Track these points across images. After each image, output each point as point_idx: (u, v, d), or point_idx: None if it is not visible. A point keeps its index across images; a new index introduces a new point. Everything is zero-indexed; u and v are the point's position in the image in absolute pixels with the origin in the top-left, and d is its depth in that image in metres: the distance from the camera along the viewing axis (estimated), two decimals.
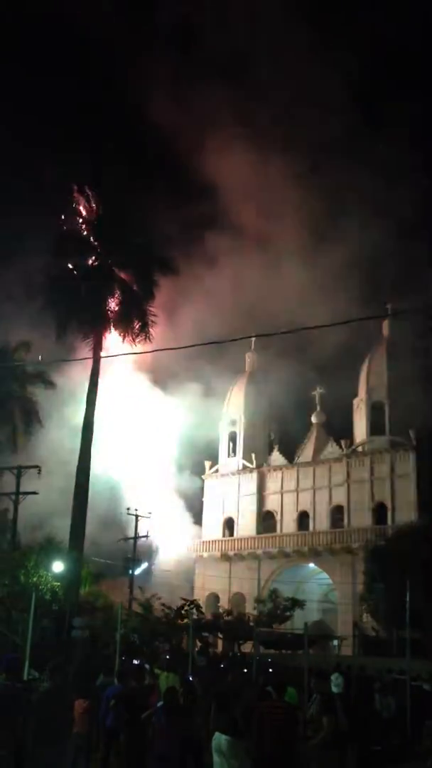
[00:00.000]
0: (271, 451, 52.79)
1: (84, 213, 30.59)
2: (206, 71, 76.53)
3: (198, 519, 54.23)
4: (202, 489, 54.55)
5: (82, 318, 28.70)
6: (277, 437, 53.96)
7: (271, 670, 20.90)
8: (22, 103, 65.67)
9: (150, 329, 29.32)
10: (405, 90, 72.09)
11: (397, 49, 72.92)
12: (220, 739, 8.62)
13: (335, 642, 37.78)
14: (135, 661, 20.23)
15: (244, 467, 52.68)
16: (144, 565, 45.00)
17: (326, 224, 59.17)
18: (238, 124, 76.46)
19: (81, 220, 30.53)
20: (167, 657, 17.18)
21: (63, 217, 30.49)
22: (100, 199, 30.19)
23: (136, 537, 40.10)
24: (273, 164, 55.33)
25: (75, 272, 29.88)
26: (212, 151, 61.37)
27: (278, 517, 50.87)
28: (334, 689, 11.57)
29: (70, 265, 30.26)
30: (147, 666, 15.57)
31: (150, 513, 42.87)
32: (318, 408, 52.20)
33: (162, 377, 52.67)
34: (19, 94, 67.12)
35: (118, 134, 74.23)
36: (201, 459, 54.62)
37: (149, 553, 47.84)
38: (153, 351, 30.76)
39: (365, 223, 52.84)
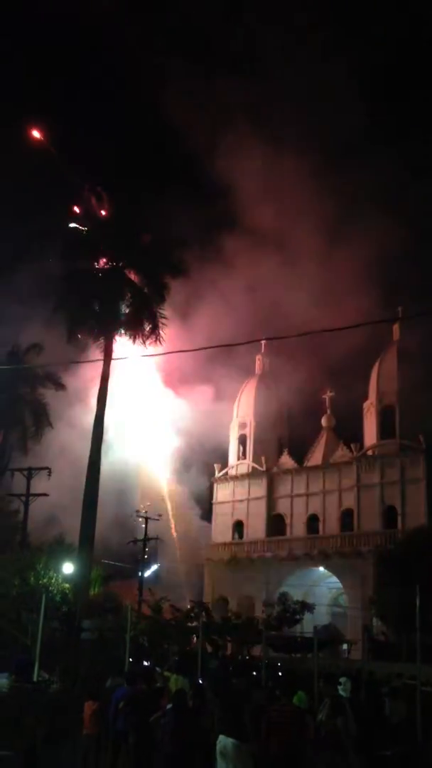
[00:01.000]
0: (281, 454, 52.70)
1: (95, 215, 30.77)
2: (219, 69, 75.97)
3: (207, 522, 54.19)
4: (211, 492, 54.54)
5: (92, 320, 28.80)
6: (287, 440, 53.91)
7: (280, 673, 20.85)
8: (31, 103, 65.59)
9: (160, 331, 29.39)
10: (421, 89, 71.49)
11: (412, 45, 71.95)
12: (225, 741, 8.60)
13: (345, 646, 37.65)
14: (145, 663, 20.26)
15: (254, 470, 52.61)
16: (154, 567, 45.08)
17: (342, 225, 58.71)
18: (252, 123, 75.45)
19: (92, 223, 30.68)
20: (176, 659, 17.20)
21: (74, 219, 30.71)
22: (112, 200, 30.34)
23: (146, 539, 40.18)
24: (288, 164, 54.81)
25: (86, 275, 30.02)
26: (226, 151, 60.92)
27: (288, 521, 50.77)
28: (343, 693, 11.53)
29: (81, 268, 30.42)
30: (158, 669, 15.58)
31: (160, 515, 42.96)
32: (328, 411, 52.10)
33: (173, 379, 52.76)
34: (27, 93, 67.01)
35: (130, 135, 74.04)
36: (211, 461, 54.66)
37: (158, 555, 47.86)
38: (163, 354, 30.83)
39: (382, 224, 52.44)
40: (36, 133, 33.07)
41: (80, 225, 31.48)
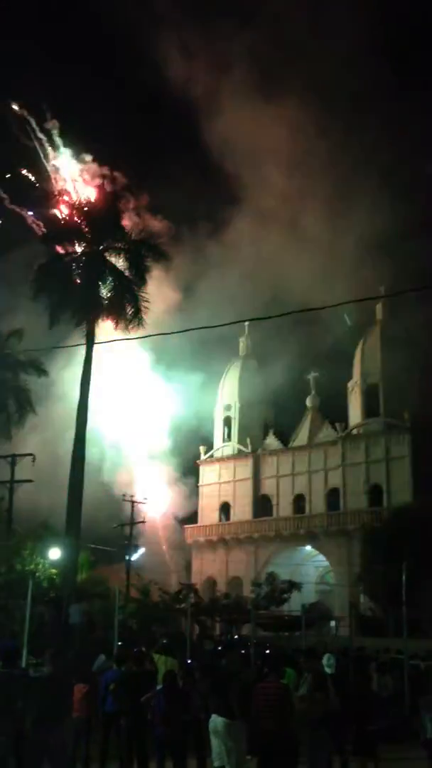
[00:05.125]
0: (266, 435, 52.85)
1: (75, 200, 30.60)
2: (216, 18, 70.16)
3: (194, 504, 54.35)
4: (197, 474, 54.64)
5: (74, 305, 28.62)
6: (272, 421, 54.03)
7: (268, 651, 21.03)
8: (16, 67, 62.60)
9: (143, 315, 29.28)
10: None
11: None
12: (216, 720, 8.76)
13: (333, 623, 38.01)
14: (135, 650, 20.31)
15: (240, 452, 52.76)
16: (141, 550, 45.19)
17: (345, 200, 55.28)
18: (253, 81, 68.99)
19: (72, 207, 30.47)
20: (164, 641, 17.29)
21: (55, 201, 30.52)
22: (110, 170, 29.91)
23: (133, 522, 40.22)
24: (291, 125, 51.82)
25: (67, 259, 29.81)
26: (224, 116, 56.81)
27: (274, 501, 51.05)
28: (327, 670, 11.66)
29: (61, 252, 30.22)
30: (143, 649, 15.63)
31: (146, 499, 42.98)
32: (313, 392, 52.24)
33: (159, 362, 52.51)
34: (11, 56, 63.86)
35: (119, 99, 70.88)
36: (197, 444, 54.66)
37: (145, 539, 47.96)
38: (144, 337, 30.63)
39: (386, 199, 50.16)
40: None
41: (61, 209, 31.39)
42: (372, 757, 10.64)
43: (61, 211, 31.70)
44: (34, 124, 50.95)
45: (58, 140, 52.05)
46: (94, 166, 51.51)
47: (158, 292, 37.92)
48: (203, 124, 65.66)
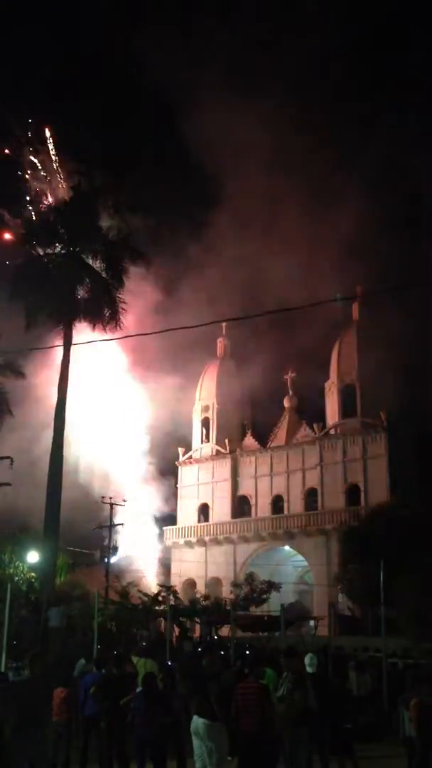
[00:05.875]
0: (244, 436, 52.94)
1: (51, 200, 30.50)
2: (194, 13, 69.63)
3: (173, 505, 54.30)
4: (176, 475, 54.58)
5: (51, 307, 28.51)
6: (250, 422, 54.15)
7: (248, 652, 21.10)
8: None
9: (120, 317, 29.26)
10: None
11: None
12: (197, 722, 8.80)
13: (312, 623, 38.16)
14: (115, 653, 20.30)
15: (218, 453, 52.79)
16: (120, 553, 45.06)
17: (324, 200, 54.88)
18: (230, 80, 68.09)
19: (49, 207, 30.39)
20: (144, 644, 17.30)
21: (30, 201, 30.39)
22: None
23: (111, 525, 40.10)
24: (269, 128, 51.14)
25: (44, 261, 29.69)
26: (202, 115, 55.87)
27: (253, 502, 51.14)
28: (309, 669, 11.74)
29: (37, 254, 30.09)
30: (123, 652, 15.63)
31: (125, 501, 42.88)
32: (290, 392, 52.43)
33: (137, 363, 52.33)
34: None
35: (92, 93, 70.20)
36: (175, 445, 54.61)
37: (124, 540, 47.84)
38: (121, 338, 30.68)
39: (367, 196, 49.63)
40: None
41: (37, 210, 31.28)
42: (349, 755, 10.74)
43: (38, 212, 31.46)
44: (9, 122, 50.54)
45: (34, 139, 51.75)
46: (72, 165, 51.27)
47: (138, 292, 37.84)
48: (182, 122, 65.46)
